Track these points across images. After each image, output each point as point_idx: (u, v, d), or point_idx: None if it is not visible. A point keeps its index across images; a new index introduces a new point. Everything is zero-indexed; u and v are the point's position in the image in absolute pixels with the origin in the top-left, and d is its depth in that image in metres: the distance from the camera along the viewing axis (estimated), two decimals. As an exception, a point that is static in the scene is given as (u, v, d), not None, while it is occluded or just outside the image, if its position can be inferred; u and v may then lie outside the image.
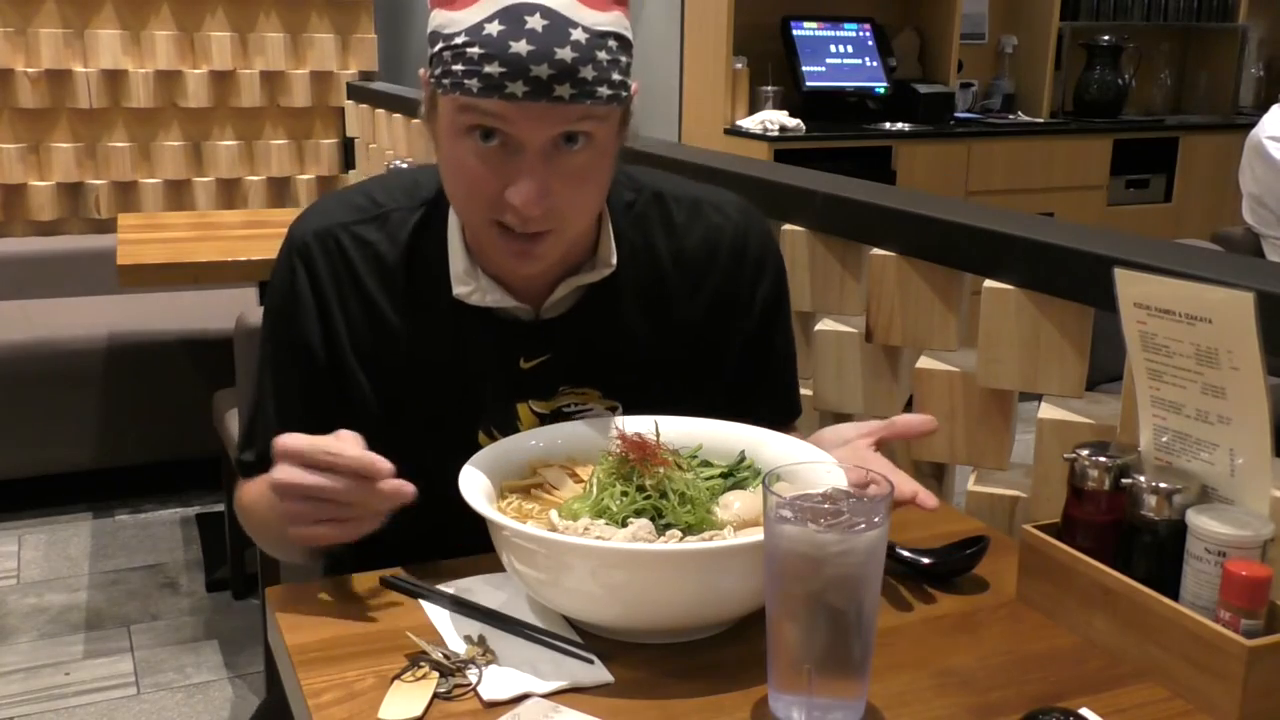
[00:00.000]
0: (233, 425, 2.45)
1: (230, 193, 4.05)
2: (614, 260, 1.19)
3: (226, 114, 4.00)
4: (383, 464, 0.98)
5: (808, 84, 4.38)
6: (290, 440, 1.00)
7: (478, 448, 1.14)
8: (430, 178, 1.20)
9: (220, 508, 3.09)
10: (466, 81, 1.02)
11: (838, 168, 2.64)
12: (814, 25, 4.48)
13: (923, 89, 4.52)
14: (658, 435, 1.08)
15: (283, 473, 0.99)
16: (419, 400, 1.19)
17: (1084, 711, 0.88)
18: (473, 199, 1.08)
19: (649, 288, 1.22)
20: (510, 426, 1.19)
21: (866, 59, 4.51)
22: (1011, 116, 4.74)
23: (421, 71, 1.11)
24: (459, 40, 1.02)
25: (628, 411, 1.22)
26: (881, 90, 4.47)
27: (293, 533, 1.02)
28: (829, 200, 1.70)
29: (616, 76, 1.05)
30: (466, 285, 1.16)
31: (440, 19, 1.05)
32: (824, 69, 4.43)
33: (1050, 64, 4.79)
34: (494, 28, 1.01)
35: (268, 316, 1.23)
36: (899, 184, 4.09)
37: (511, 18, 1.01)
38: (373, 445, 1.12)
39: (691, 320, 1.24)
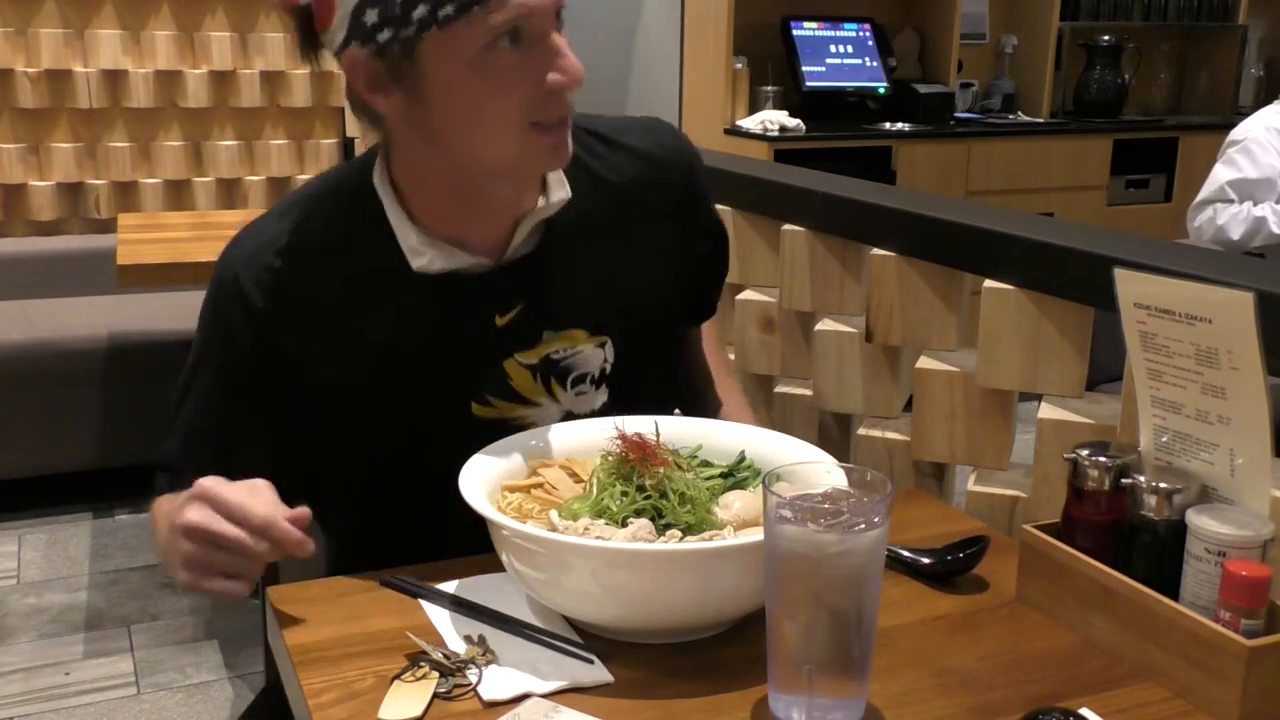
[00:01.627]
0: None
1: (230, 193, 4.05)
2: (566, 191, 1.19)
3: (226, 114, 4.00)
4: (286, 528, 0.98)
5: (808, 84, 4.37)
6: (211, 485, 1.00)
7: (473, 422, 1.15)
8: (340, 175, 1.20)
9: (220, 508, 3.09)
10: None
11: (838, 168, 2.63)
12: (814, 25, 4.48)
13: (923, 89, 4.52)
14: (658, 435, 1.08)
15: (197, 515, 0.98)
16: (404, 387, 1.16)
17: (1084, 711, 0.88)
18: (516, 105, 1.06)
19: (600, 217, 1.22)
20: (503, 388, 1.18)
21: (866, 59, 4.51)
22: (1011, 116, 4.74)
23: (355, 50, 1.06)
24: None
25: (619, 344, 1.22)
26: (881, 90, 4.47)
27: (184, 579, 1.01)
28: (829, 200, 1.70)
29: None
30: (423, 255, 1.14)
31: None
32: (824, 69, 4.43)
33: (1050, 64, 4.79)
34: None
35: (203, 351, 1.18)
36: (899, 184, 4.09)
37: None
38: (368, 444, 1.12)
39: (651, 240, 1.26)
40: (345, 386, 1.16)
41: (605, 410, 1.22)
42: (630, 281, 1.24)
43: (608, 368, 1.22)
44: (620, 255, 1.23)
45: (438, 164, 1.12)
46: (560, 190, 1.18)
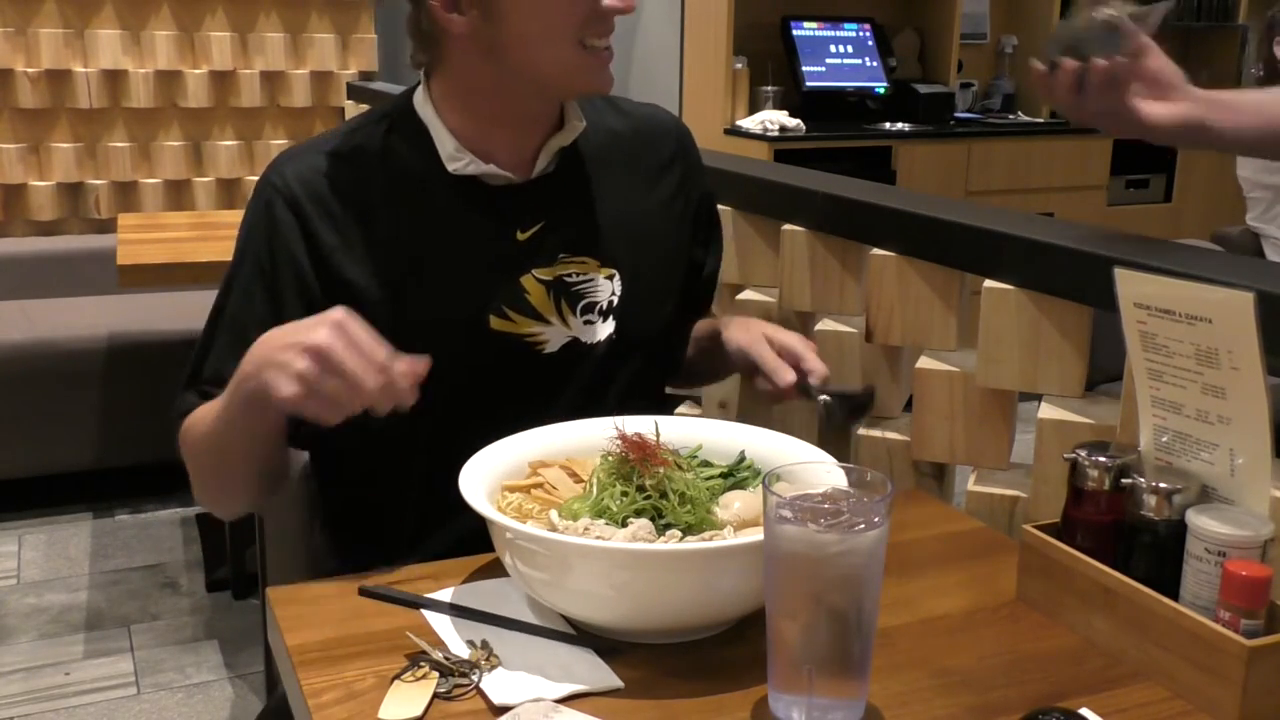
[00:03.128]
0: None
1: (230, 193, 4.05)
2: (582, 120, 1.30)
3: (226, 114, 4.00)
4: (402, 373, 1.01)
5: (808, 84, 4.37)
6: (346, 315, 1.01)
7: (490, 336, 1.22)
8: (383, 105, 1.30)
9: (220, 508, 3.09)
10: None
11: (838, 168, 2.63)
12: (814, 25, 4.48)
13: (923, 89, 4.52)
14: (658, 435, 1.08)
15: (328, 337, 0.99)
16: (428, 294, 1.23)
17: (1084, 711, 0.88)
18: (574, 23, 1.17)
19: (613, 155, 1.35)
20: (520, 301, 1.24)
21: (866, 59, 4.51)
22: (1011, 116, 4.73)
23: None
24: None
25: (626, 280, 1.31)
26: (881, 90, 4.47)
27: (290, 391, 1.00)
28: (829, 200, 1.70)
29: None
30: (458, 160, 1.23)
31: None
32: (824, 69, 4.43)
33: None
34: None
35: (246, 257, 1.24)
36: (899, 184, 4.09)
37: None
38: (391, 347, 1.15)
39: (655, 187, 1.37)
40: (372, 288, 1.21)
41: (610, 344, 1.29)
42: (638, 222, 1.34)
43: (615, 300, 1.30)
44: (628, 195, 1.34)
45: (490, 80, 1.22)
46: (577, 120, 1.29)
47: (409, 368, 1.01)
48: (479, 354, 1.23)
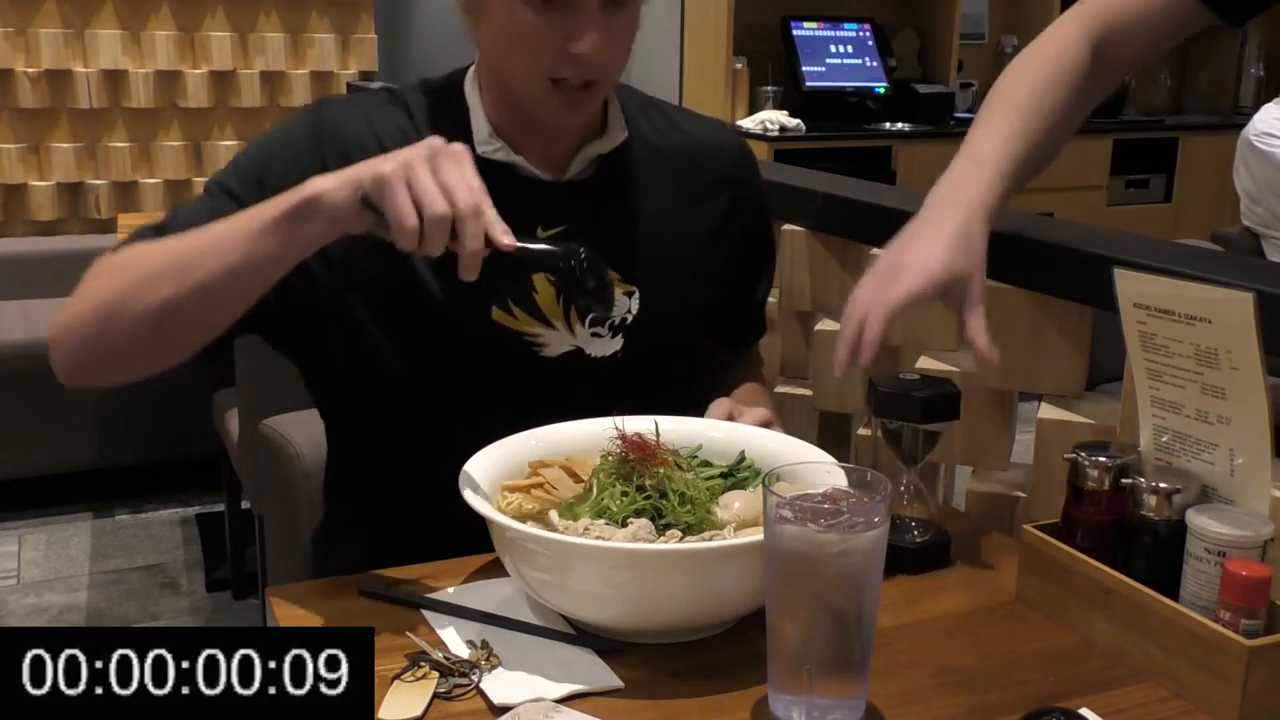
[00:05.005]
0: (233, 425, 2.45)
1: (230, 193, 4.05)
2: (624, 131, 1.26)
3: (226, 114, 4.00)
4: (494, 212, 0.99)
5: (808, 84, 4.37)
6: (463, 148, 1.00)
7: (490, 327, 1.19)
8: (434, 79, 1.28)
9: (220, 508, 3.08)
10: None
11: (838, 168, 2.63)
12: (814, 25, 4.48)
13: (923, 89, 4.52)
14: (658, 435, 1.08)
15: (446, 146, 0.98)
16: (435, 270, 1.18)
17: (1084, 711, 0.88)
18: (535, 57, 1.14)
19: (657, 171, 1.29)
20: (527, 299, 1.21)
21: (866, 59, 4.51)
22: (1011, 116, 4.73)
23: None
24: None
25: (645, 300, 1.26)
26: (881, 90, 4.47)
27: (389, 169, 0.96)
28: (829, 200, 1.70)
29: None
30: (491, 145, 1.21)
31: None
32: (824, 69, 4.43)
33: (1050, 64, 4.78)
34: None
35: (253, 162, 1.21)
36: (899, 184, 4.09)
37: None
38: (390, 329, 1.14)
39: (703, 214, 1.32)
40: (376, 253, 1.10)
41: (615, 360, 1.25)
42: (670, 242, 1.29)
43: (629, 318, 1.25)
44: (666, 214, 1.29)
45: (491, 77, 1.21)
46: (619, 130, 1.26)
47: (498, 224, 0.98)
48: (475, 344, 1.20)
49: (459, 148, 1.00)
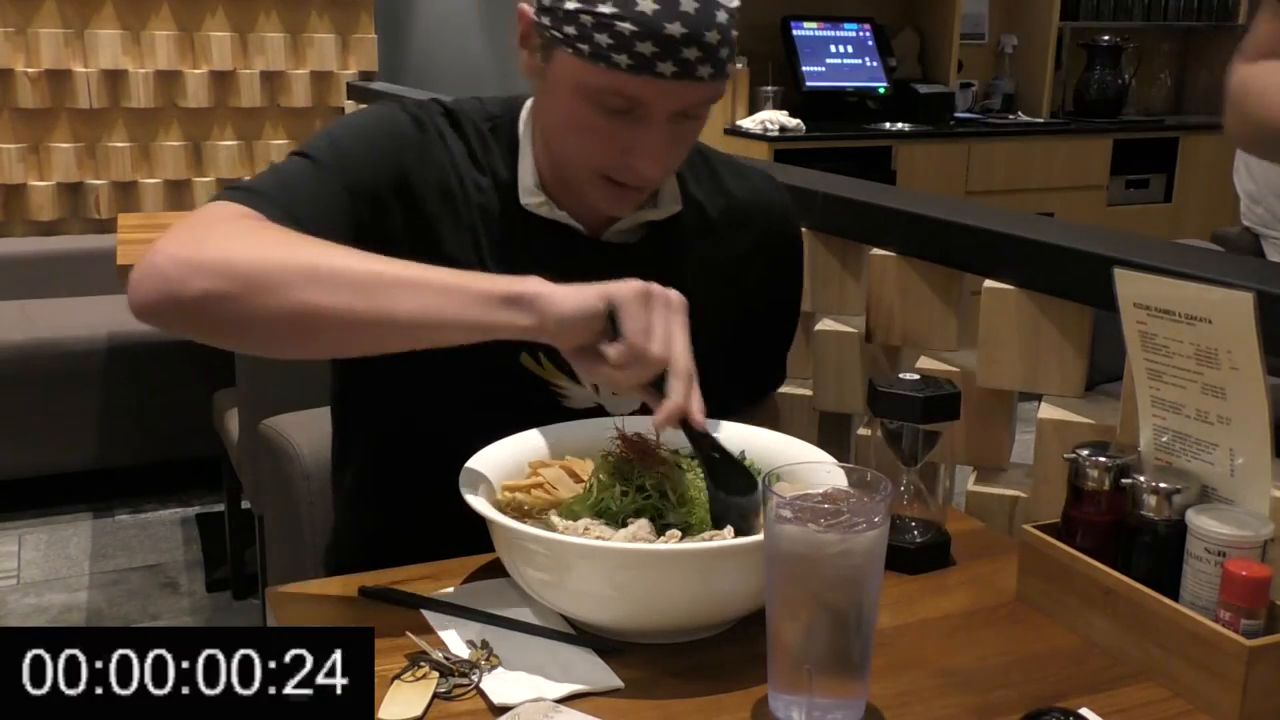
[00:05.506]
0: (232, 425, 2.45)
1: (230, 193, 4.05)
2: (680, 202, 1.23)
3: (226, 114, 4.00)
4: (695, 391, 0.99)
5: (808, 84, 4.37)
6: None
7: (517, 370, 1.18)
8: (495, 104, 1.24)
9: (220, 508, 3.08)
10: (614, 56, 1.04)
11: (838, 168, 2.64)
12: (814, 25, 4.48)
13: (923, 89, 4.52)
14: (658, 435, 1.08)
15: (678, 298, 1.00)
16: None
17: (1084, 711, 0.88)
18: (590, 155, 1.12)
19: (701, 235, 1.26)
20: (555, 350, 1.13)
21: (866, 59, 4.51)
22: (1011, 116, 4.74)
23: (524, 6, 1.11)
24: (606, 10, 1.03)
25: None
26: (881, 90, 4.47)
27: (623, 293, 0.98)
28: (829, 200, 1.70)
29: (732, 52, 1.10)
30: (533, 196, 1.19)
31: None
32: (824, 69, 4.43)
33: (1050, 64, 4.79)
34: (649, 5, 1.03)
35: (348, 138, 1.17)
36: (899, 184, 4.09)
37: None
38: (418, 356, 1.06)
39: (741, 280, 1.29)
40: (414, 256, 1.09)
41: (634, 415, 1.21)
42: (703, 309, 1.17)
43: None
44: (702, 287, 1.21)
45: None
46: (675, 197, 1.23)
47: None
48: (501, 383, 1.18)
49: (675, 297, 1.00)
